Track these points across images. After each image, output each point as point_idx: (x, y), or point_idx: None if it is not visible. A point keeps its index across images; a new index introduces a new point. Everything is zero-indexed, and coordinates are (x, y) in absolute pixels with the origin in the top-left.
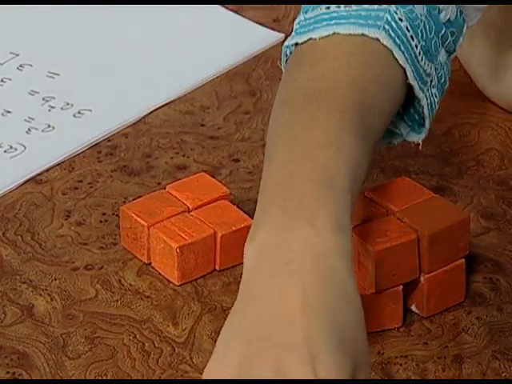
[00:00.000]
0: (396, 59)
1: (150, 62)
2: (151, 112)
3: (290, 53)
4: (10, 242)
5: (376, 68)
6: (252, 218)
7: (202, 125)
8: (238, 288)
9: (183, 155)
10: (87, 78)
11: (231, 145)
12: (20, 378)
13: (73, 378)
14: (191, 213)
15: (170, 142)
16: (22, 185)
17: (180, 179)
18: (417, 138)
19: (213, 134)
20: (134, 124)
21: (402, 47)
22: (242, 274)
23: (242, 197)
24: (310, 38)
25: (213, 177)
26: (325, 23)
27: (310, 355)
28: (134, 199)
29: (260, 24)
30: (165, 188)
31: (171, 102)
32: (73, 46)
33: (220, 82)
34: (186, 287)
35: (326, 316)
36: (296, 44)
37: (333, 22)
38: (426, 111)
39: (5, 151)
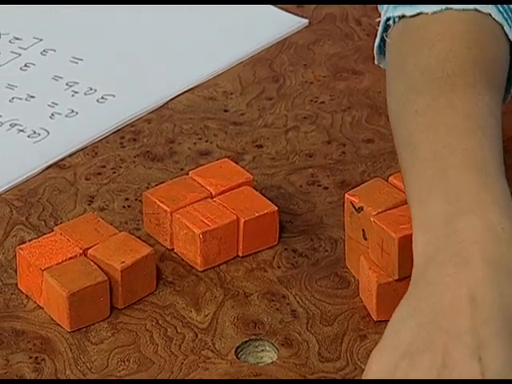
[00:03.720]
0: (505, 34)
1: (174, 48)
2: (174, 98)
3: (394, 22)
4: (33, 227)
5: (492, 46)
6: (274, 203)
7: (225, 110)
8: (261, 274)
9: (206, 141)
10: (110, 64)
11: (254, 131)
12: (43, 362)
13: (95, 363)
14: (214, 199)
15: (193, 127)
16: (45, 170)
17: (203, 165)
18: None
19: (236, 120)
20: (157, 109)
21: (509, 22)
22: (264, 260)
23: (264, 183)
24: (421, 12)
25: (236, 163)
26: None
27: (474, 344)
28: (156, 185)
29: (284, 10)
30: (188, 174)
31: (194, 87)
32: (96, 31)
33: (243, 67)
34: (208, 273)
35: (494, 303)
36: (402, 16)
37: None
38: None
39: (28, 136)
